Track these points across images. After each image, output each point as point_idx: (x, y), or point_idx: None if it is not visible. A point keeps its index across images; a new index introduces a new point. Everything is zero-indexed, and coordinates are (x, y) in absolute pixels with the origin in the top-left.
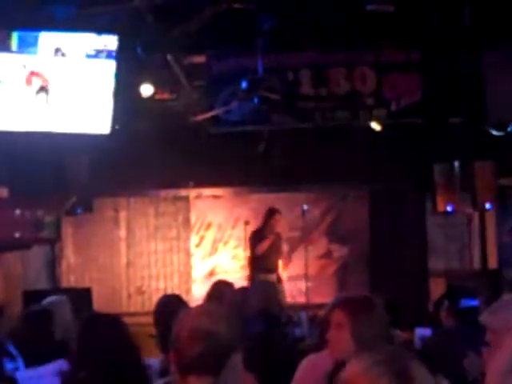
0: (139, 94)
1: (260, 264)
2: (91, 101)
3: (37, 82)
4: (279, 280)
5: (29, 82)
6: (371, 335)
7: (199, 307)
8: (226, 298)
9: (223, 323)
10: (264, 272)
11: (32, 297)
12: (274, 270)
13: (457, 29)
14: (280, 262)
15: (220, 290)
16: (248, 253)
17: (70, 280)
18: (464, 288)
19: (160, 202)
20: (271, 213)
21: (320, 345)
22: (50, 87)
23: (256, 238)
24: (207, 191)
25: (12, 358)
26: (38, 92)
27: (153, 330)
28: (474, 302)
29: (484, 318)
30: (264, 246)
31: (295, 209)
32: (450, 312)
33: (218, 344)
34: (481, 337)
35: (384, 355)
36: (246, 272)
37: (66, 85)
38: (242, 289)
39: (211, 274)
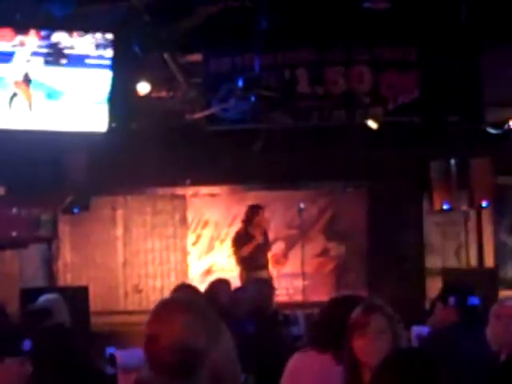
0: (136, 92)
1: (250, 262)
2: (88, 99)
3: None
4: (269, 277)
5: (25, 80)
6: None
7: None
8: (221, 297)
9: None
10: (255, 269)
11: (29, 295)
12: (266, 265)
13: (454, 26)
14: (269, 257)
15: (214, 288)
16: (234, 253)
17: (66, 278)
18: (463, 286)
19: (157, 200)
20: (254, 210)
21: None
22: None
23: (242, 240)
24: (204, 189)
25: None
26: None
27: None
28: (475, 300)
29: None
30: (250, 247)
31: (292, 207)
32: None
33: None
34: (479, 334)
35: None
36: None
37: (64, 83)
38: (236, 289)
39: (208, 272)
